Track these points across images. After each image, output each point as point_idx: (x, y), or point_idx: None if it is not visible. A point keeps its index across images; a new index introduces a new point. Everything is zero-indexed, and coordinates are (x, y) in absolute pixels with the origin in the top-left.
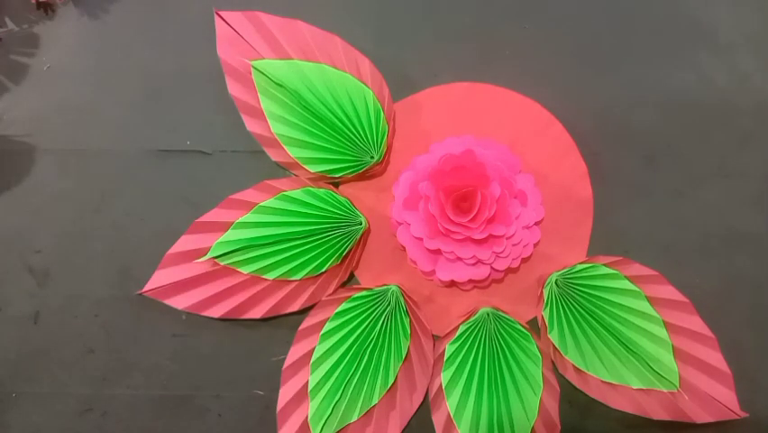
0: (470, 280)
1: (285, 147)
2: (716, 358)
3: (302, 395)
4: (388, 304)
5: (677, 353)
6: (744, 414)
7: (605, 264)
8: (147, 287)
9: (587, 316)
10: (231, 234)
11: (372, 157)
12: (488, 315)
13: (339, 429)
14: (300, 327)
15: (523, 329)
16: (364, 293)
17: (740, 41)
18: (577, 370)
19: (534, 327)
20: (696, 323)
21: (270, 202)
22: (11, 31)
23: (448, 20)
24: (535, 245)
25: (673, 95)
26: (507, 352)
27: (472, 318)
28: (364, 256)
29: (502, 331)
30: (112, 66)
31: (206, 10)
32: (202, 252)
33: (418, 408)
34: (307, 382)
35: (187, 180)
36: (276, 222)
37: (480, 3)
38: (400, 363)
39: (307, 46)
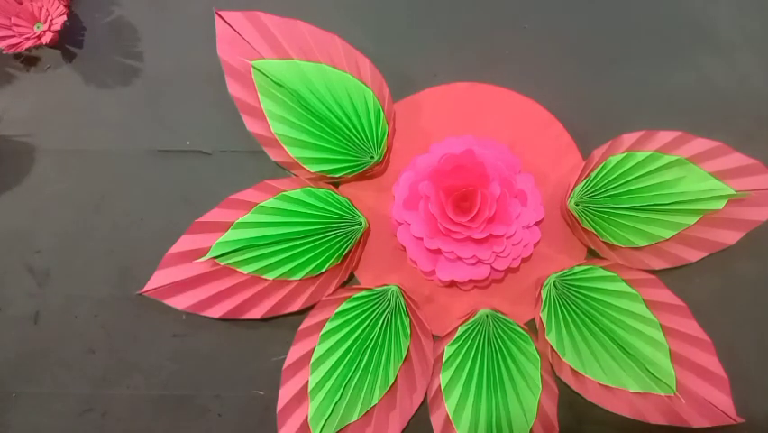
0: (471, 280)
1: (285, 147)
2: (712, 362)
3: (302, 395)
4: (388, 304)
5: (674, 356)
6: (740, 420)
7: (603, 267)
8: (147, 287)
9: (584, 318)
10: (231, 235)
11: (372, 157)
12: (486, 316)
13: (339, 429)
14: (300, 327)
15: (522, 331)
16: (364, 293)
17: (740, 41)
18: (575, 373)
19: (534, 327)
20: (692, 327)
21: (270, 202)
22: None
23: (448, 20)
24: (535, 245)
25: (673, 95)
26: (506, 353)
27: (471, 320)
28: (364, 256)
29: (501, 333)
30: (112, 66)
31: (206, 10)
32: (202, 252)
33: (418, 408)
34: (307, 382)
35: (187, 180)
36: (276, 222)
37: (480, 3)
38: (400, 363)
39: (307, 46)
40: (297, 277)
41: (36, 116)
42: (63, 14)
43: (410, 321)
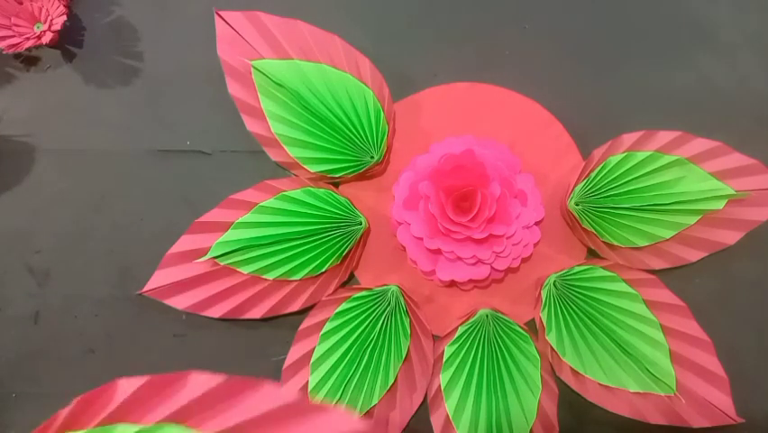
0: (471, 280)
1: (285, 147)
2: (712, 362)
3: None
4: (388, 304)
5: (674, 356)
6: (740, 420)
7: (603, 267)
8: (147, 287)
9: (584, 318)
10: (231, 234)
11: (372, 157)
12: (486, 316)
13: None
14: (300, 327)
15: (522, 331)
16: (364, 293)
17: (740, 41)
18: (575, 373)
19: (534, 327)
20: (692, 327)
21: (270, 202)
22: None
23: (448, 20)
24: (535, 245)
25: (673, 95)
26: (506, 353)
27: (471, 320)
28: (364, 256)
29: (501, 333)
30: (112, 66)
31: (206, 10)
32: (202, 252)
33: (418, 408)
34: (307, 382)
35: (187, 180)
36: (276, 222)
37: (480, 3)
38: (400, 363)
39: (307, 46)
40: (297, 277)
41: (36, 116)
42: (63, 14)
43: (410, 321)
